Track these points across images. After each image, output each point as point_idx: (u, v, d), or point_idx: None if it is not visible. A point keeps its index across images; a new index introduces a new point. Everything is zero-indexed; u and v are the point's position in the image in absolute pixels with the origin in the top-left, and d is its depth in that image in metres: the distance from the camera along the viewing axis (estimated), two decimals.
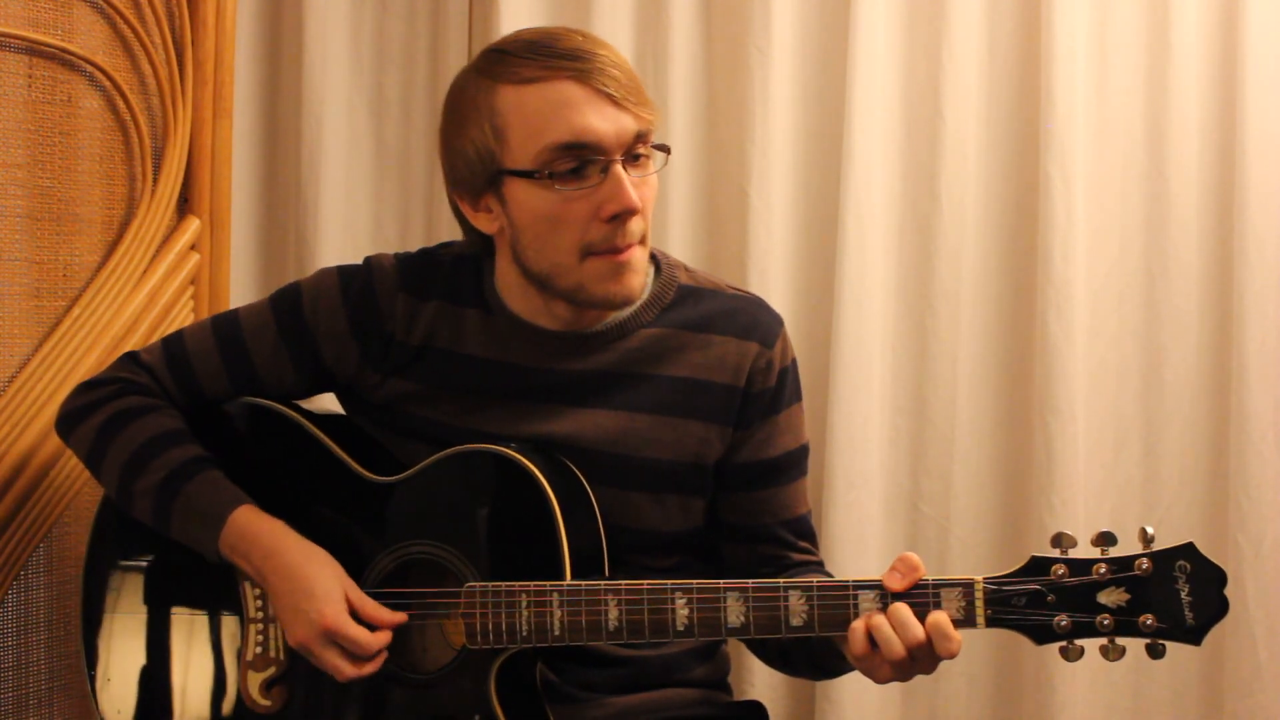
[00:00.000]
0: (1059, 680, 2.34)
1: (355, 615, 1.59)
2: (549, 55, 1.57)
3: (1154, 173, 2.41)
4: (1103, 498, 2.42)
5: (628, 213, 1.57)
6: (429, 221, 2.70)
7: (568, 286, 1.62)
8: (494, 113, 1.59)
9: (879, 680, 1.50)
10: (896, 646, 1.45)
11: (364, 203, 2.71)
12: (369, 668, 1.58)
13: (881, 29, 2.45)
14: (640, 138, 1.59)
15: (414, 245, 2.48)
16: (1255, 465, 2.30)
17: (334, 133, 2.65)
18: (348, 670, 1.57)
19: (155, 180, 2.12)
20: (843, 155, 2.44)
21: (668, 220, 2.53)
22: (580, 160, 1.56)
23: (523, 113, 1.57)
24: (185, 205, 2.17)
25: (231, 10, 2.19)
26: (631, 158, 1.59)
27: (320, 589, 1.58)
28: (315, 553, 1.63)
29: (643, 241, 1.62)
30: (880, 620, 1.46)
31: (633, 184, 1.57)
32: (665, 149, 1.63)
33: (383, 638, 1.59)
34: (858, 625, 1.46)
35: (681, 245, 2.53)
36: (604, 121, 1.56)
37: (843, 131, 2.44)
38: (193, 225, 2.16)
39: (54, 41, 1.99)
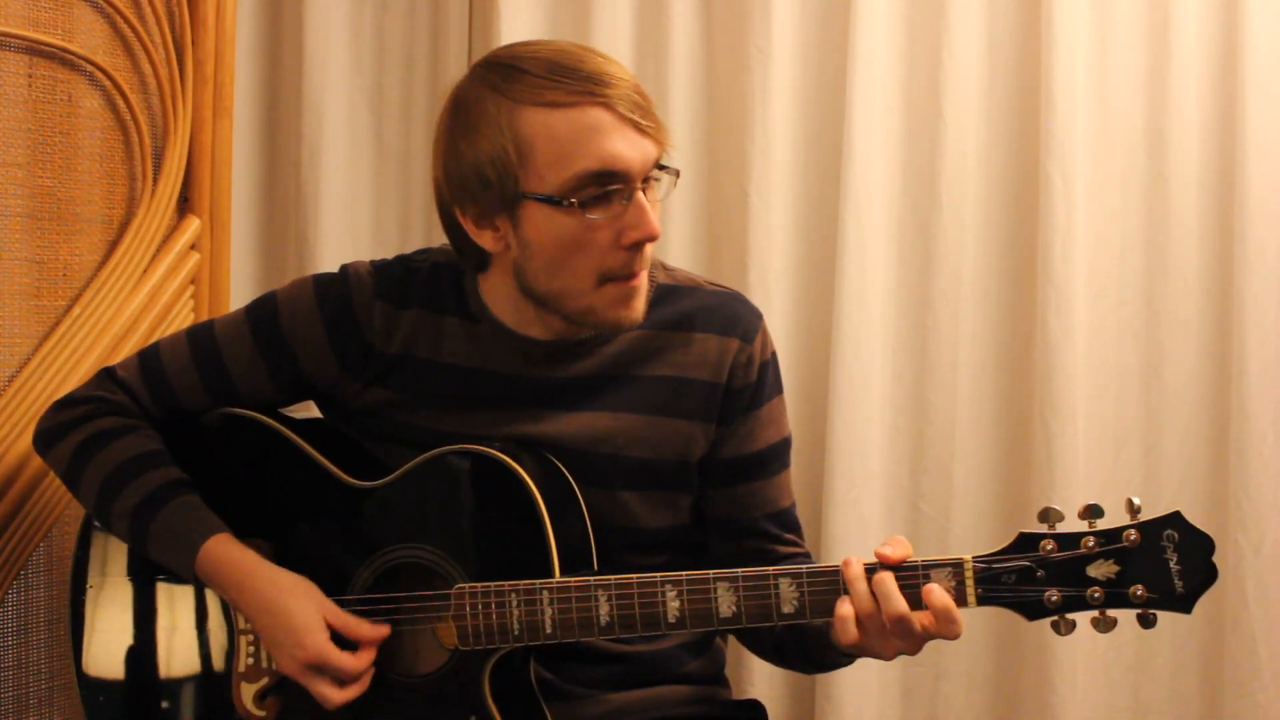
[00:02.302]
0: (1059, 680, 2.34)
1: (338, 635, 1.59)
2: (574, 77, 1.54)
3: (1154, 173, 2.41)
4: (1103, 498, 2.37)
5: (649, 239, 1.57)
6: (429, 221, 2.70)
7: (576, 309, 1.61)
8: (517, 135, 1.55)
9: (856, 641, 1.48)
10: (866, 603, 1.46)
11: (364, 203, 2.71)
12: (354, 691, 1.58)
13: (881, 29, 2.45)
14: (656, 162, 1.58)
15: (414, 244, 2.49)
16: (1255, 465, 2.29)
17: (334, 133, 2.65)
18: (335, 698, 1.58)
19: (155, 180, 2.12)
20: (843, 156, 2.44)
21: (668, 220, 2.53)
22: (607, 188, 1.55)
23: (550, 138, 1.54)
24: (185, 205, 2.17)
25: (231, 10, 2.19)
26: (644, 181, 1.57)
27: (297, 620, 1.58)
28: (288, 582, 1.62)
29: (648, 266, 1.62)
30: (861, 586, 1.47)
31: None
32: (675, 172, 1.61)
33: (366, 658, 1.59)
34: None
35: (682, 245, 2.53)
36: (631, 149, 1.54)
37: (843, 132, 2.44)
38: (193, 225, 2.16)
39: (54, 41, 1.99)
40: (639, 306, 1.61)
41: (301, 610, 1.59)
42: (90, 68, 2.04)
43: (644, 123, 1.55)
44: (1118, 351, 2.42)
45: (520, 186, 1.56)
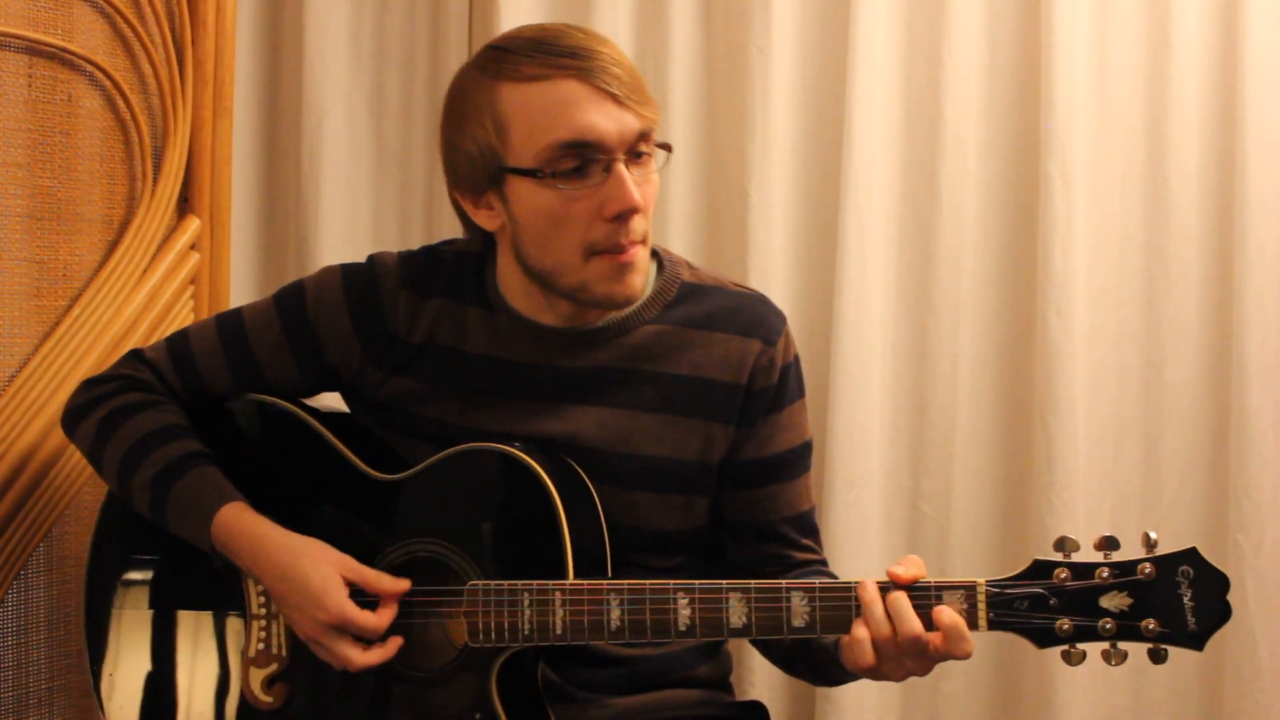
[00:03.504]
0: (1059, 681, 2.34)
1: (356, 592, 1.59)
2: (551, 53, 1.57)
3: (1154, 173, 2.41)
4: (1103, 498, 2.42)
5: (630, 211, 1.57)
6: (429, 221, 2.70)
7: (570, 285, 1.61)
8: (496, 110, 1.58)
9: (871, 664, 1.48)
10: (883, 627, 1.45)
11: (364, 203, 2.71)
12: (378, 654, 1.58)
13: (881, 29, 2.45)
14: (642, 136, 1.58)
15: (414, 245, 2.48)
16: (1255, 465, 2.30)
17: (334, 133, 2.65)
18: (359, 659, 1.57)
19: (155, 180, 2.11)
20: (843, 155, 2.44)
21: (668, 220, 2.53)
22: (583, 159, 1.56)
23: (525, 111, 1.57)
24: (185, 205, 2.16)
25: (231, 10, 2.19)
26: (634, 156, 1.58)
27: (316, 583, 1.58)
28: (303, 546, 1.62)
29: (644, 240, 1.62)
30: (877, 610, 1.45)
31: (635, 182, 1.57)
32: (667, 147, 1.62)
33: (387, 615, 1.58)
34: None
35: (682, 245, 2.53)
36: (607, 120, 1.55)
37: (843, 131, 2.44)
38: (193, 225, 2.16)
39: (54, 41, 1.99)
40: (633, 282, 1.61)
41: (318, 571, 1.59)
42: (90, 68, 2.04)
43: (622, 94, 1.56)
44: (1118, 351, 2.43)
45: (502, 161, 1.59)
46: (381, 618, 1.58)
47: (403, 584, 1.61)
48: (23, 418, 1.98)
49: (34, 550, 2.00)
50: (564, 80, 1.56)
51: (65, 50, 2.01)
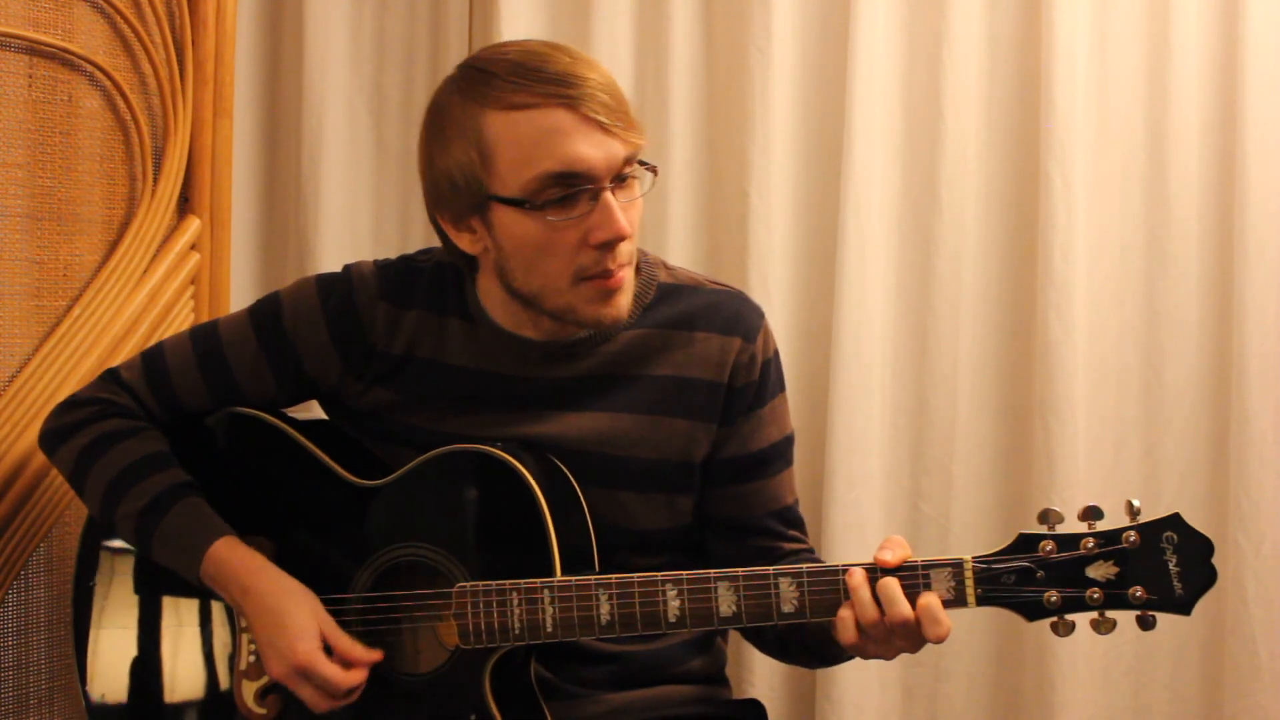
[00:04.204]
0: (1059, 680, 2.34)
1: (330, 650, 1.59)
2: (537, 80, 1.54)
3: (1154, 173, 2.41)
4: (1103, 498, 2.37)
5: (617, 240, 1.56)
6: (429, 221, 2.69)
7: (557, 307, 1.61)
8: (481, 138, 1.56)
9: (854, 642, 1.49)
10: (870, 611, 1.45)
11: (364, 203, 2.71)
12: (342, 703, 1.59)
13: (881, 29, 2.45)
14: (627, 161, 1.57)
15: (415, 245, 2.49)
16: (1255, 465, 2.30)
17: (334, 133, 2.65)
18: (321, 705, 1.58)
19: (155, 180, 2.12)
20: (843, 155, 2.44)
21: (668, 220, 2.53)
22: (570, 189, 1.54)
23: (512, 140, 1.54)
24: (185, 205, 2.17)
25: (231, 10, 2.19)
26: (618, 180, 1.57)
27: (294, 625, 1.58)
28: (291, 588, 1.62)
29: (630, 262, 1.61)
30: (864, 594, 1.47)
31: (621, 208, 1.56)
32: (653, 169, 1.61)
33: (355, 676, 1.58)
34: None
35: (682, 245, 2.53)
36: (594, 149, 1.53)
37: (843, 131, 2.44)
38: (193, 225, 2.16)
39: (54, 41, 1.99)
40: (620, 304, 1.61)
41: (300, 615, 1.59)
42: (90, 68, 2.04)
43: (609, 123, 1.54)
44: (1118, 351, 2.43)
45: (486, 190, 1.57)
46: (350, 677, 1.58)
47: (374, 655, 1.61)
48: (23, 418, 1.98)
49: (34, 550, 2.00)
50: (551, 109, 1.53)
51: (65, 50, 2.01)
